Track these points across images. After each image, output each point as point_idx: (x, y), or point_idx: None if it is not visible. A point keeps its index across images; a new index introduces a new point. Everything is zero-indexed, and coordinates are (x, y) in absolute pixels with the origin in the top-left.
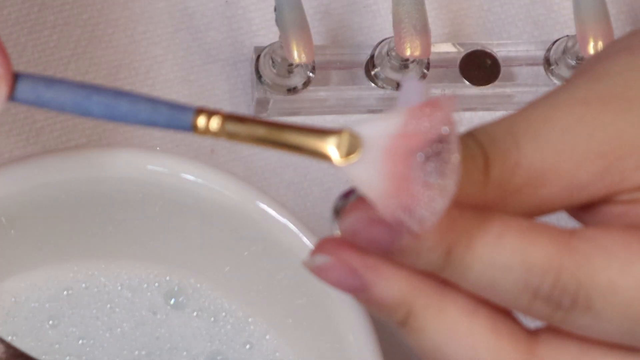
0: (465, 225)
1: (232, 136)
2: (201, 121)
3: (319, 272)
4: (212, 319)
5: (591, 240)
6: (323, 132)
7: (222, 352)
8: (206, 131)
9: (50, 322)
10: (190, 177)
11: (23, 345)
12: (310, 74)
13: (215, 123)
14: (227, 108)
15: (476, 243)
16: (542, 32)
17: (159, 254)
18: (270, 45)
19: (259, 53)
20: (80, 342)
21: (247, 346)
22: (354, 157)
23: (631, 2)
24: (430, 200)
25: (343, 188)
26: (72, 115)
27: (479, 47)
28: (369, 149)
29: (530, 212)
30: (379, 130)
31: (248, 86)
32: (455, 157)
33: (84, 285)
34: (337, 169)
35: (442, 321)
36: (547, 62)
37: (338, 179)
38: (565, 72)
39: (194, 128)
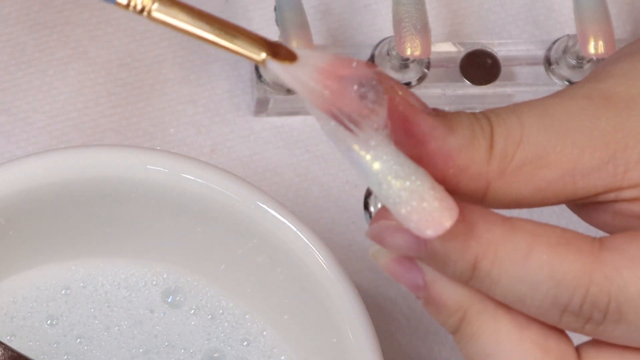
0: (490, 237)
1: (156, 19)
2: None
3: (384, 266)
4: (210, 316)
5: (620, 250)
6: (260, 42)
7: (220, 349)
8: (129, 5)
9: (49, 321)
10: (190, 177)
11: (22, 345)
12: None
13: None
14: (228, 107)
15: (502, 259)
16: (542, 32)
17: (157, 253)
18: None
19: None
20: (78, 341)
21: (245, 343)
22: (286, 63)
23: (632, 1)
24: (365, 111)
25: (343, 188)
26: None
27: (479, 47)
28: (303, 62)
29: (533, 198)
30: (314, 56)
31: (248, 86)
32: (382, 95)
33: (82, 284)
34: (335, 167)
35: (494, 330)
36: (548, 62)
37: (338, 179)
38: (566, 72)
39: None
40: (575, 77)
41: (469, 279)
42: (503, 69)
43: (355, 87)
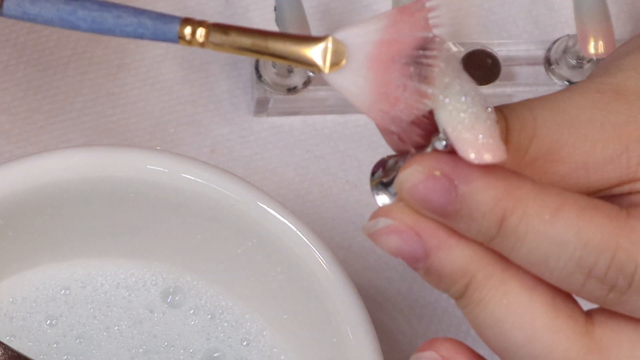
0: (522, 193)
1: (217, 46)
2: (187, 31)
3: (378, 236)
4: (209, 316)
5: None
6: (308, 40)
7: (220, 349)
8: (192, 41)
9: (48, 322)
10: (190, 177)
11: (21, 345)
12: (311, 74)
13: (200, 33)
14: (228, 107)
15: (531, 215)
16: (542, 32)
17: (156, 253)
18: None
19: None
20: (78, 341)
21: (245, 343)
22: (339, 66)
23: (632, 1)
24: (407, 103)
25: (343, 187)
26: (59, 28)
27: (479, 47)
28: (353, 56)
29: None
30: (362, 37)
31: (248, 86)
32: (435, 62)
33: (81, 284)
34: (335, 167)
35: (503, 294)
36: (548, 62)
37: (338, 179)
38: (566, 72)
39: (180, 38)
40: (576, 77)
41: (494, 237)
42: (503, 69)
43: (401, 64)
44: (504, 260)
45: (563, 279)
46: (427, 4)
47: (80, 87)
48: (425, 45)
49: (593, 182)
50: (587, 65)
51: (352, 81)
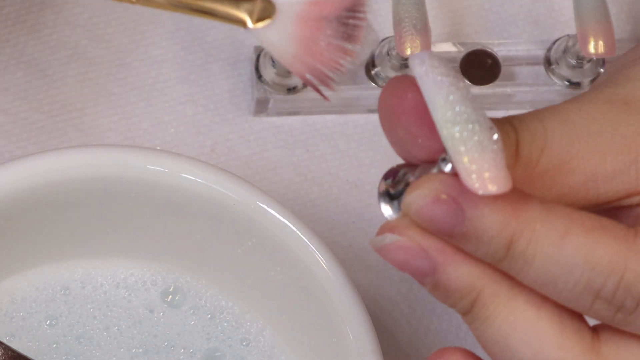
0: (529, 216)
1: (149, 2)
2: None
3: (386, 252)
4: (209, 316)
5: None
6: None
7: (220, 349)
8: None
9: (48, 321)
10: (190, 177)
11: (21, 345)
12: None
13: None
14: (228, 107)
15: (539, 238)
16: (542, 32)
17: (156, 252)
18: None
19: (259, 52)
20: (78, 341)
21: (244, 343)
22: (266, 22)
23: (632, 1)
24: (330, 58)
25: (343, 188)
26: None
27: (479, 47)
28: (281, 14)
29: (556, 203)
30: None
31: (248, 86)
32: (361, 22)
33: (81, 284)
34: (335, 167)
35: (510, 311)
36: (548, 62)
37: (338, 179)
38: (566, 72)
39: None
40: (575, 77)
41: (502, 259)
42: (503, 69)
43: (330, 24)
44: (512, 277)
45: (571, 300)
46: None
47: (80, 87)
48: (352, 7)
49: (602, 194)
50: (587, 65)
51: (279, 37)
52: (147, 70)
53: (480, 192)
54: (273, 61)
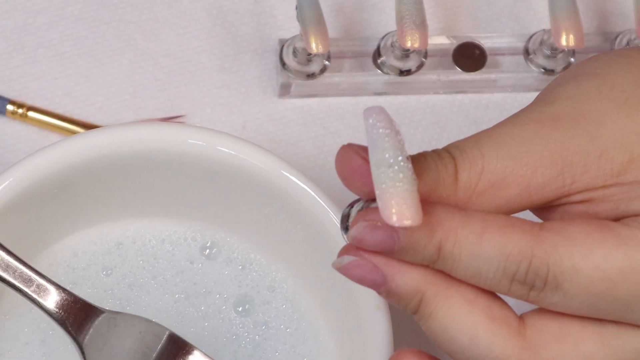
0: (451, 224)
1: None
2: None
3: (346, 270)
4: (241, 267)
5: (557, 231)
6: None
7: (250, 294)
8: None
9: (104, 272)
10: (224, 150)
11: (81, 292)
12: (326, 62)
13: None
14: (256, 91)
15: (462, 240)
16: (522, 27)
17: (196, 213)
18: (292, 37)
19: (282, 44)
20: (129, 288)
21: (270, 289)
22: None
23: (597, 1)
24: None
25: None
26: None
27: (469, 40)
28: None
29: (496, 211)
30: None
31: (273, 72)
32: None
33: (132, 240)
34: (347, 140)
35: (447, 307)
36: (527, 52)
37: None
38: (542, 61)
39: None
40: (550, 65)
41: (436, 261)
42: (489, 58)
43: None
44: (448, 278)
45: (494, 285)
46: None
47: (131, 74)
48: None
49: (535, 201)
50: (559, 55)
51: None
52: (189, 59)
53: (397, 224)
54: (294, 52)
